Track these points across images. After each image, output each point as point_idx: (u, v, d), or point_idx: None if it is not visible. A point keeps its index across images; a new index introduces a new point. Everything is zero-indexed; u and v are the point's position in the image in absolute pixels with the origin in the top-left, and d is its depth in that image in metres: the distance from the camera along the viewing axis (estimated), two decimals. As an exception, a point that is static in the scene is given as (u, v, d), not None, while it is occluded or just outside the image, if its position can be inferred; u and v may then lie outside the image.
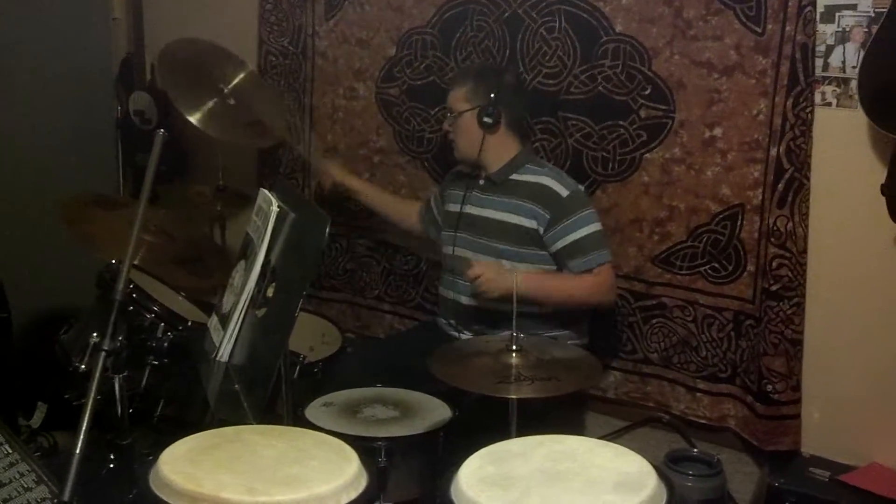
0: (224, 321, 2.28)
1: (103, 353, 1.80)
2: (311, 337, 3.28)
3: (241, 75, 3.58)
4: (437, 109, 3.45)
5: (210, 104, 3.40)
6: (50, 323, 3.15)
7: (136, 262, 3.05)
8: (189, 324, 2.63)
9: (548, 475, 1.71)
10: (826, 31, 2.74)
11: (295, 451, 1.77)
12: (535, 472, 1.72)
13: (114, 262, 2.83)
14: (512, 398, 2.30)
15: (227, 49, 3.61)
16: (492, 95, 2.92)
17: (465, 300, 3.02)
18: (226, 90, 3.47)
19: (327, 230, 1.98)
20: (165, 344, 2.53)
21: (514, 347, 2.38)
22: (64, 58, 4.00)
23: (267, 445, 1.78)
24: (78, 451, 1.63)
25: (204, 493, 1.58)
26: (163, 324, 2.60)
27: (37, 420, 3.49)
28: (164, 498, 1.60)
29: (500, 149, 2.99)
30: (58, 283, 3.73)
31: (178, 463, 1.68)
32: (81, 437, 1.65)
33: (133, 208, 3.38)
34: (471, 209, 3.04)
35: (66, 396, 2.59)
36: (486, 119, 2.92)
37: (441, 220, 3.22)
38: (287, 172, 3.86)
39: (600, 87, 3.12)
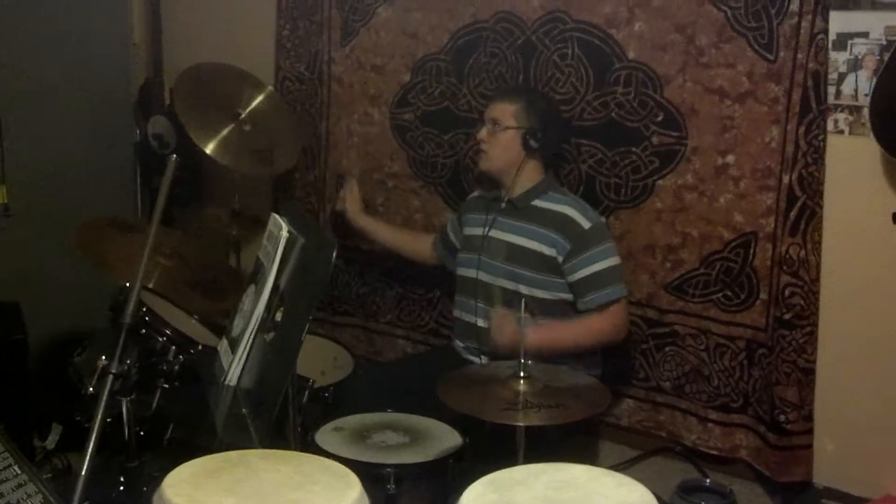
0: (233, 345, 2.29)
1: (111, 376, 1.81)
2: (323, 361, 3.30)
3: (260, 98, 3.61)
4: (450, 135, 3.47)
5: (225, 132, 3.42)
6: (66, 345, 3.18)
7: (149, 286, 3.08)
8: (199, 347, 2.64)
9: None
10: (838, 58, 2.74)
11: (299, 476, 1.77)
12: (537, 501, 1.71)
13: (127, 284, 2.85)
14: (519, 425, 2.30)
15: (245, 70, 3.63)
16: (542, 121, 2.96)
17: (482, 323, 3.02)
18: (243, 115, 3.49)
19: (334, 255, 1.99)
20: (176, 367, 2.55)
21: (522, 374, 2.38)
22: (84, 83, 4.05)
23: (271, 470, 1.78)
24: (84, 472, 1.65)
25: (205, 517, 1.59)
26: (174, 347, 2.61)
27: (51, 441, 3.52)
28: (166, 521, 1.61)
29: (529, 173, 3.00)
30: (74, 306, 3.76)
31: (181, 486, 1.68)
32: (87, 458, 1.66)
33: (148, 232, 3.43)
34: (492, 233, 3.05)
35: (77, 418, 2.60)
36: (532, 142, 2.95)
37: (460, 245, 3.22)
38: (302, 196, 3.88)
39: (613, 114, 3.13)
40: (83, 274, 3.44)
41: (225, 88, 3.56)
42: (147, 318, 2.69)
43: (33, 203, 3.84)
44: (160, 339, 2.66)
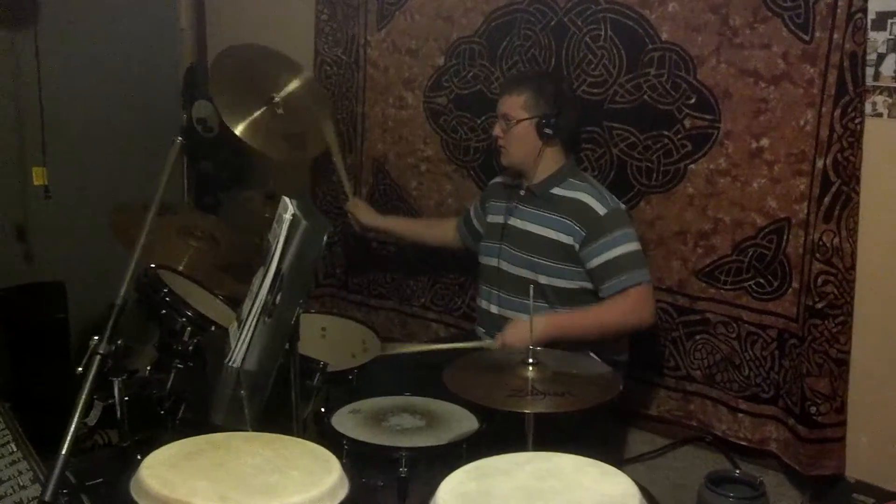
0: (241, 327, 2.30)
1: (98, 357, 1.84)
2: (353, 345, 3.31)
3: (296, 82, 3.59)
4: (483, 118, 3.43)
5: (257, 114, 3.42)
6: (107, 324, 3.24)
7: (179, 268, 3.12)
8: (212, 328, 2.66)
9: (528, 493, 1.67)
10: (877, 38, 2.63)
11: (279, 460, 1.77)
12: (516, 490, 1.68)
13: (153, 265, 2.90)
14: (527, 412, 2.27)
15: (284, 54, 3.62)
16: (553, 105, 2.90)
17: (495, 310, 3.01)
18: (276, 98, 3.49)
19: (325, 238, 1.99)
20: (190, 348, 2.57)
21: (531, 361, 2.35)
22: (134, 68, 4.11)
23: (252, 453, 1.79)
24: (63, 452, 1.67)
25: (175, 499, 1.59)
26: (190, 328, 2.64)
27: (93, 418, 3.60)
28: (138, 501, 1.62)
29: (549, 160, 2.96)
30: (116, 286, 3.83)
31: (158, 467, 1.70)
32: (69, 438, 1.69)
33: (182, 215, 3.48)
34: (512, 221, 3.02)
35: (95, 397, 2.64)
36: (546, 130, 2.89)
37: (483, 231, 3.19)
38: (339, 180, 3.88)
39: (645, 96, 3.05)
40: (125, 255, 3.50)
41: (262, 71, 3.54)
42: (168, 299, 2.72)
43: (82, 186, 3.92)
44: (180, 320, 2.69)
